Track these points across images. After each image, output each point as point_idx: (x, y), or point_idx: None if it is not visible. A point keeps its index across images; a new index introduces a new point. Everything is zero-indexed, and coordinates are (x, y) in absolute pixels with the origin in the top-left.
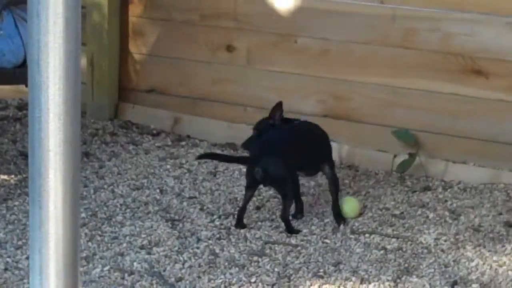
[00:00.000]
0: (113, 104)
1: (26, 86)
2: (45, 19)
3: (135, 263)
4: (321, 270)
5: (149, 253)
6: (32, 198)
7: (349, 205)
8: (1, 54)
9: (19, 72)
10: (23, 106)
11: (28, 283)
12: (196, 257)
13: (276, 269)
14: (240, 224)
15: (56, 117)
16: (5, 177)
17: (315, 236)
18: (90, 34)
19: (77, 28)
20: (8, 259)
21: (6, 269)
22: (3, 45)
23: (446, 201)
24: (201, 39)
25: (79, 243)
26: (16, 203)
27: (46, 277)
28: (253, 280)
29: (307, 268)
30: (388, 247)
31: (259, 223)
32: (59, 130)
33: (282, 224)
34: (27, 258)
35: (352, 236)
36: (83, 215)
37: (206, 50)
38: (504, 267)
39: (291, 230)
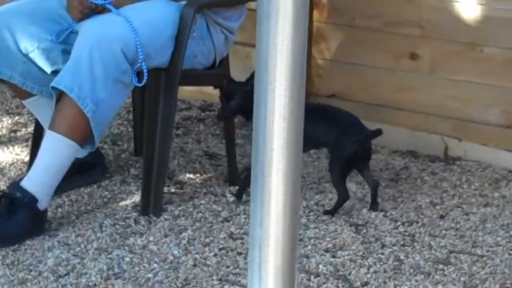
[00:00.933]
0: None
1: (215, 87)
2: (274, 20)
3: (320, 266)
4: (508, 282)
5: (334, 256)
6: (254, 195)
7: None
8: (193, 56)
9: (208, 74)
10: (206, 108)
11: (217, 280)
12: (381, 263)
13: (462, 279)
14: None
15: (281, 117)
16: (191, 175)
17: (501, 248)
18: None
19: (304, 30)
20: (196, 255)
21: (194, 265)
22: (195, 47)
23: None
24: (384, 46)
25: (297, 242)
26: (202, 201)
27: (265, 274)
28: None
29: (494, 279)
30: None
31: (444, 231)
32: (283, 130)
33: (467, 233)
34: (215, 255)
35: None
36: None
37: (389, 57)
38: None
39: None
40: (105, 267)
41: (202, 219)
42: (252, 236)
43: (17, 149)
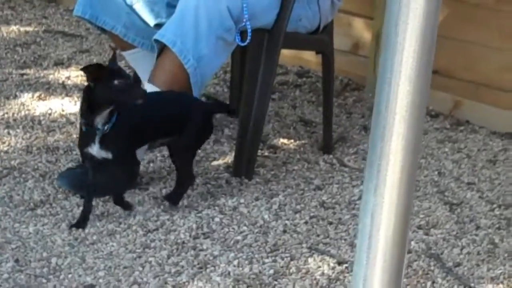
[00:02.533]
0: None
1: (317, 53)
2: None
3: (412, 242)
4: None
5: (426, 234)
6: (371, 160)
7: None
8: (298, 19)
9: (311, 39)
10: (303, 74)
11: (306, 248)
12: (475, 244)
13: None
14: None
15: (407, 80)
16: (285, 141)
17: None
18: (379, 10)
19: None
20: (286, 221)
21: (284, 231)
22: (301, 10)
23: None
24: (493, 24)
25: (410, 212)
26: (295, 167)
27: (375, 242)
28: None
29: None
30: None
31: None
32: (408, 94)
33: None
34: (305, 223)
35: None
36: None
37: (496, 36)
38: None
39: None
40: (194, 226)
41: (294, 186)
42: (365, 202)
43: None
